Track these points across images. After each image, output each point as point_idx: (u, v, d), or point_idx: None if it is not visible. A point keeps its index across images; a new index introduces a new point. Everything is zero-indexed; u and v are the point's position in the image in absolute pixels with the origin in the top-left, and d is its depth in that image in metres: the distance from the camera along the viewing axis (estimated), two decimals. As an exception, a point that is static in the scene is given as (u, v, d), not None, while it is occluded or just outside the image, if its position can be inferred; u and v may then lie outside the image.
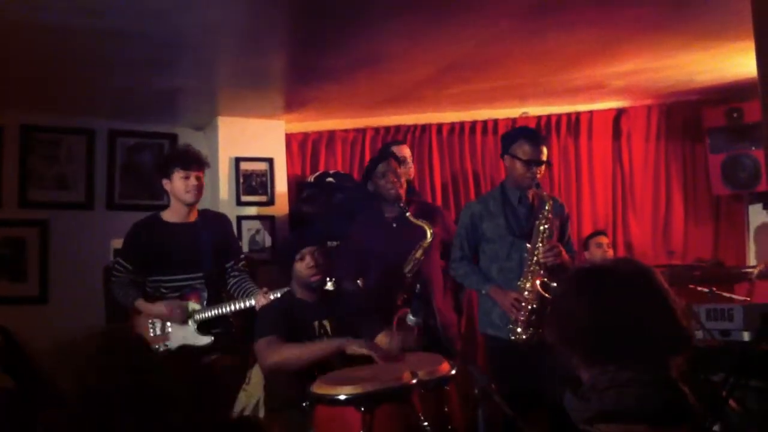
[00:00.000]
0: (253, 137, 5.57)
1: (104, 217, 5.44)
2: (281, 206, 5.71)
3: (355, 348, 3.38)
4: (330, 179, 5.57)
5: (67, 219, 5.31)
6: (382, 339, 3.60)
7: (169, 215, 4.22)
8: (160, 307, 4.07)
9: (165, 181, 4.18)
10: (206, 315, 4.08)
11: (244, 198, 5.57)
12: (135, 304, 4.10)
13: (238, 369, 3.93)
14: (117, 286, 4.19)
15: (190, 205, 4.20)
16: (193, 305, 4.10)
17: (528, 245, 3.90)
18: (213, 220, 4.33)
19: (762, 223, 6.29)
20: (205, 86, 4.89)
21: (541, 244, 3.85)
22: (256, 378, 3.67)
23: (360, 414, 2.74)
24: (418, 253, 4.14)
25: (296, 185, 5.78)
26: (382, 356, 3.31)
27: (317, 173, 5.70)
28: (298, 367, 3.29)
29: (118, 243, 4.95)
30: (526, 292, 3.82)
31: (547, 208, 3.89)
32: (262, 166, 5.60)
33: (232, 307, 4.09)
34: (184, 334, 4.09)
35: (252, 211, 5.60)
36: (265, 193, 5.65)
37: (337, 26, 3.92)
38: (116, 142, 5.54)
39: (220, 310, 4.09)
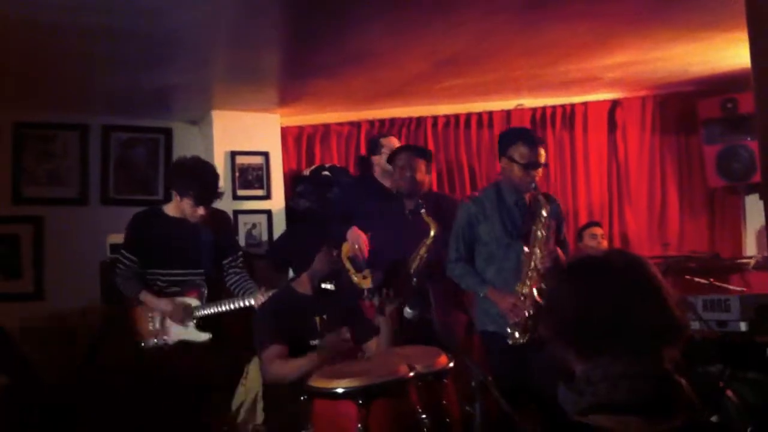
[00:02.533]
0: (249, 131, 5.57)
1: (99, 213, 5.44)
2: (278, 200, 5.70)
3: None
4: (326, 173, 5.57)
5: (61, 215, 5.31)
6: (372, 346, 3.64)
7: (171, 210, 4.23)
8: (164, 303, 4.09)
9: (175, 192, 4.18)
10: (205, 312, 4.09)
11: (240, 192, 5.56)
12: (140, 295, 4.12)
13: (232, 364, 3.94)
14: (121, 277, 4.20)
15: None
16: (192, 301, 4.11)
17: (524, 246, 3.89)
18: (213, 216, 4.32)
19: (758, 215, 6.29)
20: (200, 81, 4.88)
21: (538, 250, 3.83)
22: (254, 372, 3.67)
23: (357, 407, 2.75)
24: (422, 251, 4.11)
25: (292, 179, 5.77)
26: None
27: (313, 167, 5.70)
28: (299, 379, 3.24)
29: (113, 238, 4.96)
30: (523, 298, 3.80)
31: (544, 213, 3.85)
32: (258, 160, 5.60)
33: (232, 306, 4.10)
34: (184, 330, 4.10)
35: (248, 205, 5.60)
36: (261, 187, 5.65)
37: (331, 20, 3.91)
38: (110, 137, 5.53)
39: (219, 308, 4.09)
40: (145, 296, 4.12)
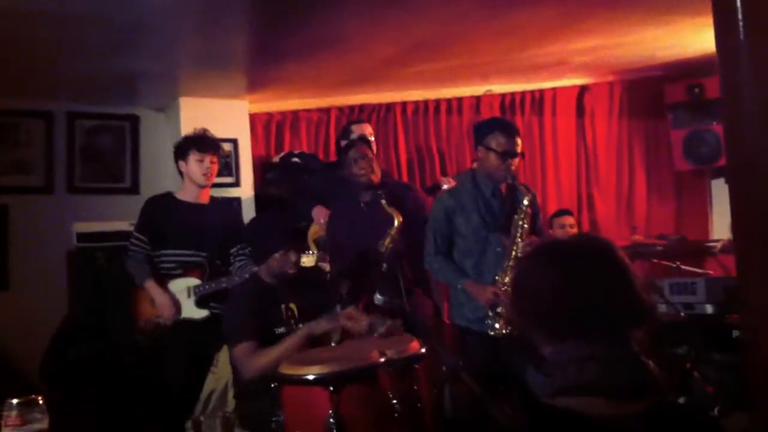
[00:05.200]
0: (217, 118, 5.49)
1: (65, 201, 5.35)
2: (247, 188, 5.66)
3: (321, 327, 3.40)
4: (295, 159, 5.54)
5: (26, 204, 5.22)
6: (350, 311, 3.59)
7: (182, 195, 4.42)
8: (161, 297, 4.20)
9: (181, 163, 4.38)
10: (206, 288, 4.21)
11: (209, 179, 5.51)
12: (145, 284, 4.24)
13: None
14: (131, 261, 4.34)
15: (203, 187, 4.40)
16: (194, 281, 4.24)
17: (503, 238, 3.89)
18: (222, 205, 4.66)
19: (724, 198, 6.37)
20: (167, 67, 4.82)
21: (519, 239, 3.84)
22: (224, 360, 3.66)
23: (328, 393, 2.74)
24: (387, 241, 4.09)
25: (261, 166, 5.74)
26: (350, 323, 3.33)
27: (282, 154, 5.67)
28: (276, 368, 3.21)
29: (80, 227, 4.92)
30: (504, 287, 3.79)
31: (525, 203, 3.86)
32: (227, 147, 5.53)
33: (231, 283, 4.18)
34: (185, 308, 4.23)
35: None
36: (230, 174, 5.60)
37: (300, 5, 3.88)
38: (75, 125, 5.44)
39: (219, 285, 4.20)
40: (151, 286, 4.24)
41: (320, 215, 4.62)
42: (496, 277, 3.84)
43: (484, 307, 3.83)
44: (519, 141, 3.97)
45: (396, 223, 4.02)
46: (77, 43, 4.13)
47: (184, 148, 4.37)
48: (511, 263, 3.81)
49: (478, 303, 3.86)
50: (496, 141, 3.92)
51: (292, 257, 3.64)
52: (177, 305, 4.22)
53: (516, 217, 3.85)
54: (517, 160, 3.98)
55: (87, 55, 4.37)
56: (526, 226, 3.83)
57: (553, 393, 1.54)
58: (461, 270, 4.00)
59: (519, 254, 3.80)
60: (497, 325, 3.78)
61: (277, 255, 3.61)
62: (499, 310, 3.77)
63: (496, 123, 4.18)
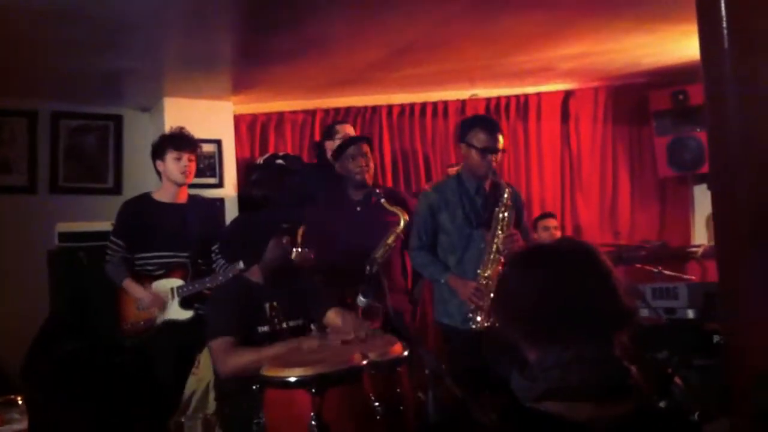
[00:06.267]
0: (201, 119, 5.47)
1: (48, 201, 5.34)
2: (230, 189, 5.65)
3: (311, 344, 3.34)
4: (280, 161, 5.53)
5: (9, 203, 5.18)
6: (332, 317, 3.59)
7: (159, 195, 4.39)
8: (142, 293, 4.20)
9: (158, 162, 4.35)
10: (189, 288, 4.19)
11: (193, 180, 5.48)
12: (123, 283, 4.23)
13: None
14: (109, 264, 4.30)
15: (181, 186, 4.37)
16: (176, 282, 4.22)
17: (486, 235, 3.91)
18: (202, 204, 4.56)
19: (706, 204, 6.41)
20: (151, 67, 4.80)
21: (501, 232, 3.86)
22: (205, 361, 3.63)
23: (310, 396, 2.73)
24: (390, 239, 4.05)
25: (245, 168, 5.72)
26: (341, 338, 3.30)
27: (266, 155, 5.66)
28: (255, 372, 3.18)
29: (62, 227, 4.87)
30: (485, 281, 3.82)
31: (506, 195, 3.90)
32: (210, 148, 5.53)
33: (215, 282, 4.15)
34: (170, 310, 4.22)
35: (200, 193, 5.52)
36: (213, 175, 5.59)
37: (286, 7, 3.87)
38: (59, 124, 5.41)
39: (203, 285, 4.17)
40: (129, 284, 4.22)
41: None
42: (478, 271, 3.86)
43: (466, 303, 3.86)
44: (500, 138, 4.02)
45: (401, 221, 3.98)
46: (62, 41, 4.11)
47: (162, 147, 4.34)
48: (491, 257, 3.85)
49: (460, 299, 3.88)
50: (477, 138, 3.98)
51: (285, 242, 3.64)
52: (161, 300, 4.20)
53: (497, 209, 3.89)
54: (498, 157, 4.02)
55: (72, 54, 4.34)
56: (506, 215, 3.86)
57: (537, 397, 1.55)
58: (445, 265, 4.03)
59: (500, 246, 3.83)
60: (478, 318, 3.81)
61: (270, 243, 3.60)
62: (481, 303, 3.80)
63: (478, 120, 4.26)
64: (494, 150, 3.98)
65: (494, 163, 3.99)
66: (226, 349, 3.33)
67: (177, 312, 4.21)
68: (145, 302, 4.20)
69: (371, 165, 4.48)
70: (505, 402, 1.63)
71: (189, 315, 4.21)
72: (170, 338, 4.17)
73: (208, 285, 4.16)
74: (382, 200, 4.02)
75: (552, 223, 5.73)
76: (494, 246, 3.86)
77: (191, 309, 4.21)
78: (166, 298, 4.22)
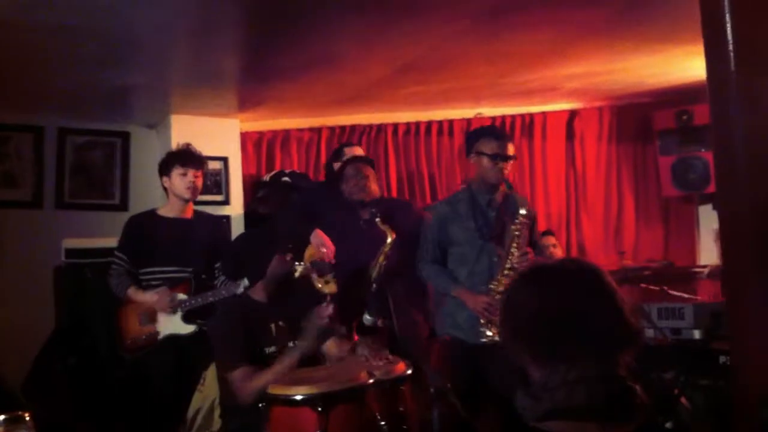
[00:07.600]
0: (208, 136, 5.49)
1: (54, 217, 5.34)
2: (237, 206, 5.66)
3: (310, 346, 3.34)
4: (286, 179, 5.54)
5: (15, 218, 5.19)
6: (331, 346, 3.57)
7: (165, 211, 4.42)
8: (149, 295, 4.21)
9: (164, 179, 4.39)
10: (193, 303, 4.18)
11: (199, 197, 5.49)
12: (127, 292, 4.24)
13: None
14: (114, 277, 4.31)
15: (187, 202, 4.40)
16: (181, 295, 4.21)
17: (498, 248, 3.91)
18: (207, 220, 4.58)
19: (711, 224, 6.41)
20: (158, 84, 4.82)
21: (516, 249, 3.85)
22: (210, 378, 3.63)
23: (316, 414, 2.73)
24: (380, 259, 4.07)
25: (251, 185, 5.73)
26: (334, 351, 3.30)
27: (273, 173, 5.67)
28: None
29: (68, 243, 4.88)
30: (498, 295, 3.80)
31: (523, 212, 3.88)
32: (217, 165, 5.54)
33: (218, 297, 4.13)
34: (172, 324, 4.20)
35: (207, 210, 5.53)
36: (219, 192, 5.60)
37: (292, 25, 3.89)
38: (66, 140, 5.43)
39: (205, 300, 4.16)
40: (133, 292, 4.24)
41: (318, 240, 4.32)
42: (491, 286, 3.85)
43: (476, 316, 3.84)
44: (510, 146, 4.01)
45: (389, 240, 4.00)
46: (69, 57, 4.13)
47: (168, 164, 4.37)
48: (506, 272, 3.83)
49: (470, 311, 3.87)
50: (487, 145, 3.98)
51: (288, 258, 3.62)
52: (171, 295, 4.19)
53: (512, 227, 3.87)
54: (509, 165, 4.00)
55: (79, 70, 4.36)
56: (521, 232, 3.85)
57: (542, 416, 1.55)
58: (454, 278, 4.02)
59: (514, 264, 3.81)
60: (489, 333, 3.79)
61: (273, 260, 3.58)
62: (493, 318, 3.78)
63: (486, 129, 4.29)
64: (505, 157, 3.96)
65: (506, 172, 3.97)
66: (245, 377, 3.27)
67: (179, 326, 4.20)
68: (152, 301, 4.18)
69: (373, 185, 4.45)
70: (509, 421, 1.63)
71: (191, 329, 4.19)
72: (173, 352, 4.16)
73: (210, 299, 4.14)
74: (377, 219, 4.02)
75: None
76: (508, 263, 3.84)
77: (194, 323, 4.20)
78: (173, 299, 4.20)
